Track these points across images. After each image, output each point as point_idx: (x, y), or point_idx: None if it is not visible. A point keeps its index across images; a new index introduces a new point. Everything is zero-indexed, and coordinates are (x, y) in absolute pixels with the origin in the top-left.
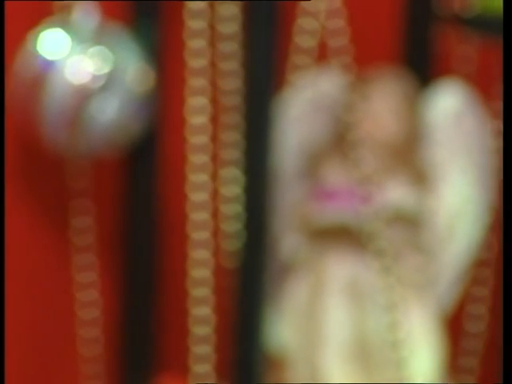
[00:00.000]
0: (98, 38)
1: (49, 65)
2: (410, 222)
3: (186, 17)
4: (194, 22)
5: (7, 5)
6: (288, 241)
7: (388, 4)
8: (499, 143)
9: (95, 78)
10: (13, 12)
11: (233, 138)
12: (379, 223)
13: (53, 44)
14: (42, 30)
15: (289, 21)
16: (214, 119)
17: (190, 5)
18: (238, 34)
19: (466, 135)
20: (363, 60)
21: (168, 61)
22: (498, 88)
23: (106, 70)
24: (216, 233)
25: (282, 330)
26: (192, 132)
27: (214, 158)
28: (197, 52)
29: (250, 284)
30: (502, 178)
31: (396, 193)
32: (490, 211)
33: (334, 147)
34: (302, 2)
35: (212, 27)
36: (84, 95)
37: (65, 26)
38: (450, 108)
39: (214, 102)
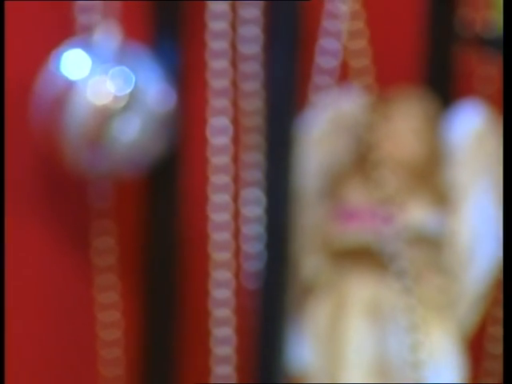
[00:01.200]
0: (119, 58)
1: (70, 85)
2: (432, 243)
3: (208, 37)
4: (216, 43)
5: (29, 25)
6: (309, 261)
7: (410, 24)
8: None
9: (117, 98)
10: (35, 32)
11: (254, 158)
12: (401, 244)
13: (74, 64)
14: (64, 51)
15: (310, 41)
16: (236, 140)
17: (212, 25)
18: (259, 54)
19: (487, 156)
20: (385, 80)
21: (190, 81)
22: None
23: (127, 90)
24: (237, 253)
25: (304, 351)
26: (213, 152)
27: (236, 178)
28: (218, 72)
29: (271, 305)
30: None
31: (417, 213)
32: None
33: (355, 167)
34: (324, 22)
35: (233, 48)
36: (105, 116)
37: (86, 46)
38: (472, 128)
39: (236, 122)
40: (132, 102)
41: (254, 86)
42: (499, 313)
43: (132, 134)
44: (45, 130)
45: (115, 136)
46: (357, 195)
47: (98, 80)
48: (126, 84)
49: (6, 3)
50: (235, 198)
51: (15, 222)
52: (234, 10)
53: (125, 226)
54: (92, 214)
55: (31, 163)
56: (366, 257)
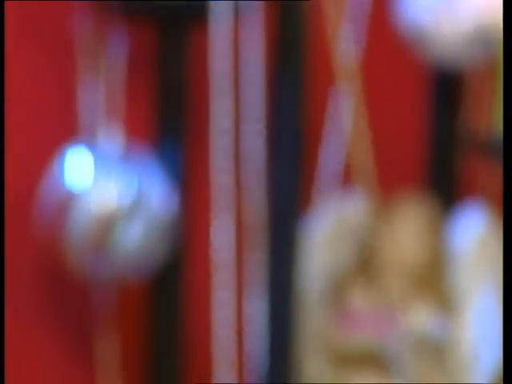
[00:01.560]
0: (122, 160)
1: (74, 190)
2: (435, 348)
3: (211, 136)
4: (219, 141)
5: (32, 125)
6: (312, 364)
7: (413, 128)
8: None
9: (120, 205)
10: (38, 132)
11: (257, 257)
12: (404, 348)
13: (78, 168)
14: (67, 152)
15: (314, 142)
16: (239, 239)
17: (215, 124)
18: (261, 152)
19: (490, 260)
20: (388, 183)
21: (193, 180)
22: None
23: (130, 196)
24: (240, 353)
25: None
26: (217, 251)
27: (239, 277)
28: (221, 170)
29: None
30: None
31: (421, 318)
32: None
33: (358, 271)
34: (327, 123)
35: (236, 146)
36: (109, 222)
37: (90, 147)
38: (475, 233)
39: (239, 221)
40: (135, 207)
41: (257, 184)
42: None
43: (135, 239)
44: (48, 234)
45: (118, 241)
46: (360, 299)
47: (101, 186)
48: (129, 189)
49: (8, 105)
50: (239, 297)
51: (17, 326)
52: (237, 107)
53: (128, 331)
54: (95, 318)
55: (34, 267)
56: (369, 361)
